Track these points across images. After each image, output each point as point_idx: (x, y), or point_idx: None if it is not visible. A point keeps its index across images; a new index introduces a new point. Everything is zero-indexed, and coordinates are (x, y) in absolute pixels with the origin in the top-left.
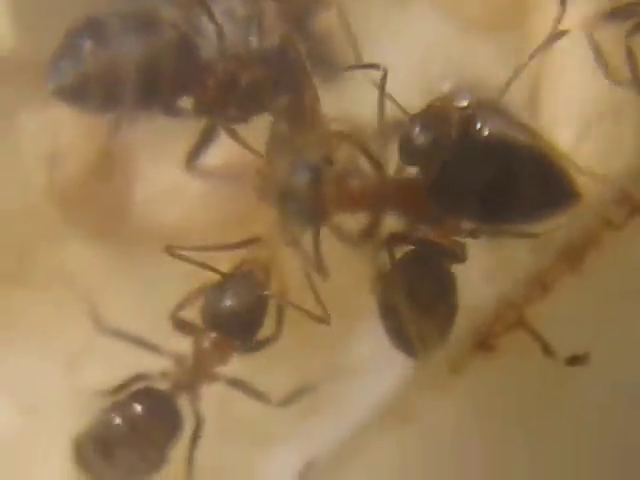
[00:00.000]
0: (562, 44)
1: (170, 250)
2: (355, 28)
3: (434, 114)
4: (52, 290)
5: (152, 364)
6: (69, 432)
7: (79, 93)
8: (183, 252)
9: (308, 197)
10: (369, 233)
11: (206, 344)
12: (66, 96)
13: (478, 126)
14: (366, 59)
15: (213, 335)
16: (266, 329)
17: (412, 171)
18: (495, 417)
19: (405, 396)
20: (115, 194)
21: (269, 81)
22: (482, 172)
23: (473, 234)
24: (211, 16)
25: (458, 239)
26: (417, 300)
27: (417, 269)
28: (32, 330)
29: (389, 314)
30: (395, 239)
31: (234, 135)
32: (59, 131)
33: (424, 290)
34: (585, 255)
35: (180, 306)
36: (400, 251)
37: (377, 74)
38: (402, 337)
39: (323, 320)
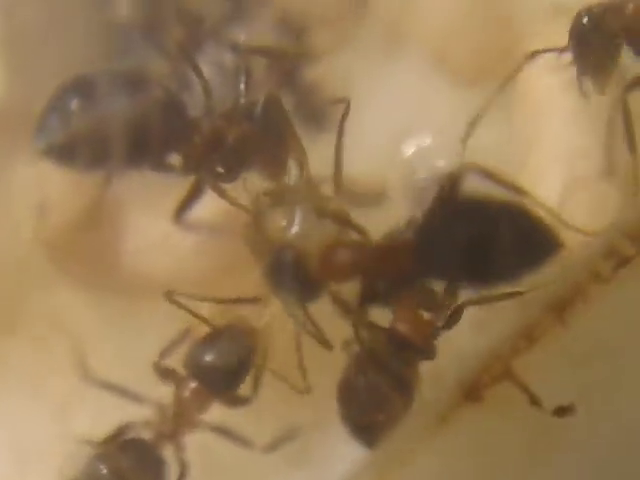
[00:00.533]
0: (551, 101)
1: (169, 296)
2: (341, 79)
3: None
4: (41, 338)
5: (141, 412)
6: (57, 478)
7: (67, 152)
8: (180, 299)
9: (296, 276)
10: (362, 301)
11: (186, 393)
12: (54, 155)
13: (459, 186)
14: (351, 111)
15: (194, 385)
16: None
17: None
18: (484, 466)
19: (391, 447)
20: (104, 245)
21: (255, 138)
22: (464, 232)
23: (452, 320)
24: (198, 72)
25: (431, 339)
26: (376, 391)
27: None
28: (21, 376)
29: (347, 400)
30: (371, 328)
31: (222, 193)
32: (48, 182)
33: (385, 382)
34: (572, 307)
35: (164, 353)
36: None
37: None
38: (356, 426)
39: (303, 391)
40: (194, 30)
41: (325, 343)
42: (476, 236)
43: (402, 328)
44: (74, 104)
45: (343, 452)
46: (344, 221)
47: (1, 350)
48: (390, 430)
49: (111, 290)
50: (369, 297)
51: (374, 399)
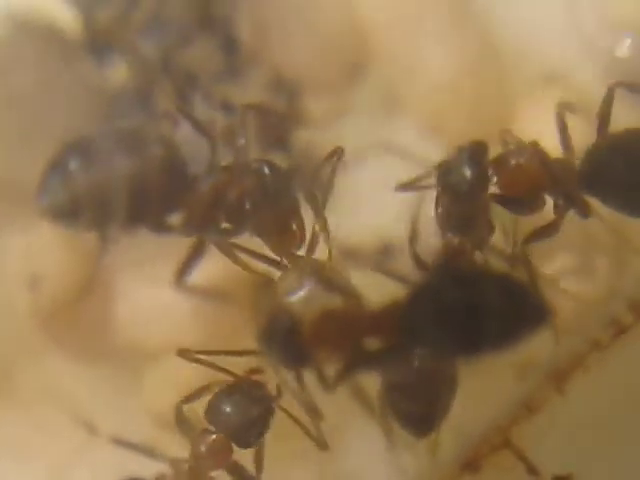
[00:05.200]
0: None
1: (184, 354)
2: (336, 143)
3: None
4: (35, 408)
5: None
6: None
7: (69, 211)
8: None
9: (287, 342)
10: (344, 375)
11: (203, 447)
12: (56, 214)
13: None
14: (347, 176)
15: (213, 437)
16: None
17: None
18: None
19: None
20: (98, 314)
21: (261, 195)
22: (453, 302)
23: None
24: (199, 127)
25: None
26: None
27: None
28: (13, 446)
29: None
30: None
31: (228, 251)
32: (40, 253)
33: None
34: (570, 376)
35: (187, 399)
36: None
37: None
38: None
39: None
40: (186, 89)
41: (314, 411)
42: (465, 306)
43: None
44: (75, 163)
45: None
46: (340, 288)
47: None
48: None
49: (106, 358)
50: (355, 364)
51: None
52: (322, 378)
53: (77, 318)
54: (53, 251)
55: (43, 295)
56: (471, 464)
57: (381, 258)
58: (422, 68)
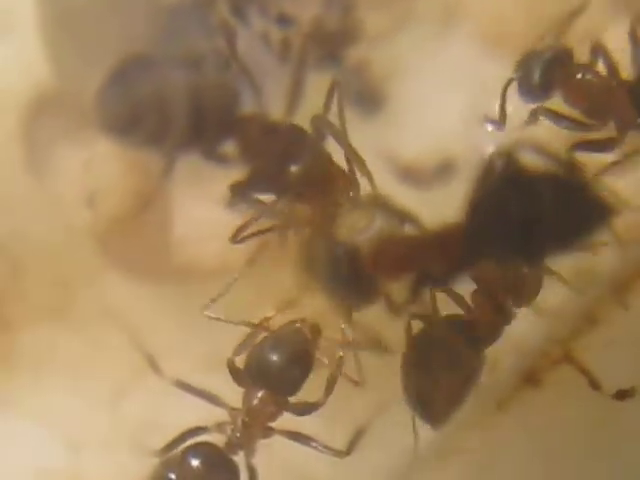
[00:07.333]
0: None
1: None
2: (392, 60)
3: None
4: (92, 326)
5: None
6: (112, 469)
7: (127, 123)
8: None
9: (351, 272)
10: (414, 296)
11: (255, 400)
12: (114, 126)
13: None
14: (402, 92)
15: (261, 393)
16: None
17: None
18: (542, 450)
19: (451, 433)
20: (154, 231)
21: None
22: (513, 209)
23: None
24: (248, 74)
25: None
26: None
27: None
28: (70, 364)
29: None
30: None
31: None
32: (99, 169)
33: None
34: (633, 287)
35: (237, 351)
36: None
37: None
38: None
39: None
40: (242, 3)
41: (380, 345)
42: (526, 211)
43: (474, 315)
44: (134, 75)
45: (398, 440)
46: (397, 213)
47: (50, 337)
48: (452, 412)
49: (161, 278)
50: (423, 283)
51: (431, 377)
52: (390, 303)
53: (135, 235)
54: (111, 167)
55: (101, 211)
56: (531, 378)
57: (441, 175)
58: None
